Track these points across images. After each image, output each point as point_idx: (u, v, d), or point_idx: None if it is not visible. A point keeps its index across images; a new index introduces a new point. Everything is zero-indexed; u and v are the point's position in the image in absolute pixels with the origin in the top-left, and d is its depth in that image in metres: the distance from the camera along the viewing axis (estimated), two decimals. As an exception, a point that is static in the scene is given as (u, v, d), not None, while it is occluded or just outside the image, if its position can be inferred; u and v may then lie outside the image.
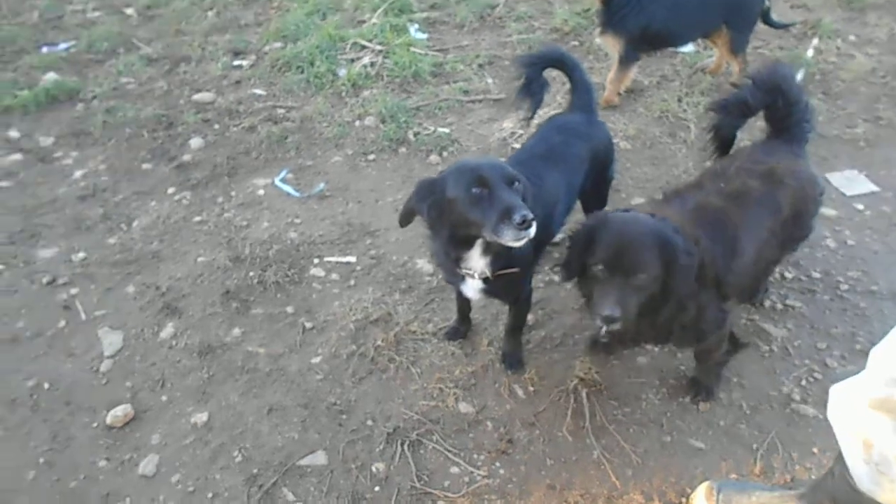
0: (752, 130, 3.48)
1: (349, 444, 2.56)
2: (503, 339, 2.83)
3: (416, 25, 5.45)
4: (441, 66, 4.97)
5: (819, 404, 2.57)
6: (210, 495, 2.40)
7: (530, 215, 1.91)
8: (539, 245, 2.54)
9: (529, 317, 3.00)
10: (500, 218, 1.95)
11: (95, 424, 2.67)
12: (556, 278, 3.24)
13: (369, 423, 2.64)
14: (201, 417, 2.67)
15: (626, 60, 4.26)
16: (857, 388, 1.72)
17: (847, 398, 1.76)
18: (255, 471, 2.48)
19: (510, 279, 2.34)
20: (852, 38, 5.11)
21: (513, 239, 1.96)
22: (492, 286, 2.38)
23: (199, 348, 2.95)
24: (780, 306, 3.06)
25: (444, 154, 4.11)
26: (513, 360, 2.80)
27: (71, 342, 3.01)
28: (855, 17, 5.42)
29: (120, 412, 2.67)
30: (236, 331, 3.04)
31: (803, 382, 2.71)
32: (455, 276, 2.42)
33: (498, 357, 2.85)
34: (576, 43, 5.25)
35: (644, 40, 4.20)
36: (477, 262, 2.25)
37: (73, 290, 3.27)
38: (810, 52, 4.89)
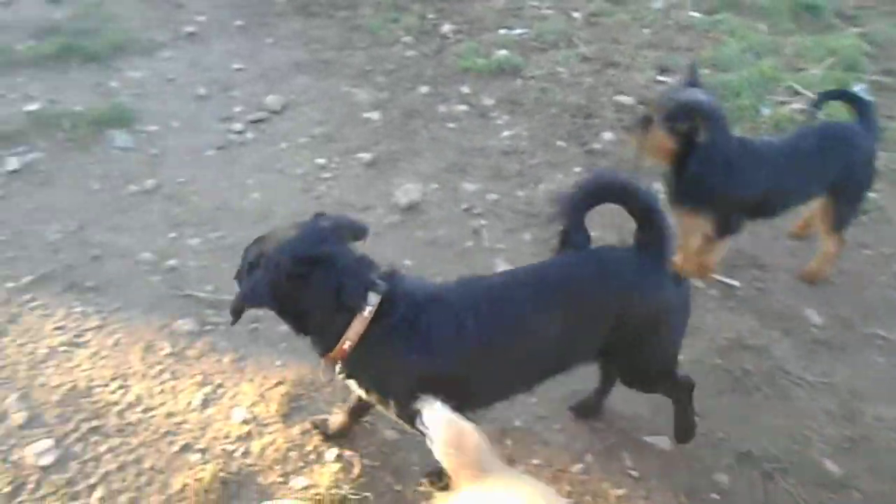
0: None
1: (695, 447, 2.54)
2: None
3: (864, 86, 5.04)
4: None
5: None
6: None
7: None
8: None
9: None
10: None
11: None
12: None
13: (720, 435, 2.59)
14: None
15: (725, 232, 3.11)
16: None
17: None
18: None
19: None
20: None
21: None
22: None
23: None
24: None
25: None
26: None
27: (471, 259, 3.50)
28: None
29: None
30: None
31: None
32: None
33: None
34: None
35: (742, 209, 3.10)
36: None
37: (483, 222, 3.78)
38: None
